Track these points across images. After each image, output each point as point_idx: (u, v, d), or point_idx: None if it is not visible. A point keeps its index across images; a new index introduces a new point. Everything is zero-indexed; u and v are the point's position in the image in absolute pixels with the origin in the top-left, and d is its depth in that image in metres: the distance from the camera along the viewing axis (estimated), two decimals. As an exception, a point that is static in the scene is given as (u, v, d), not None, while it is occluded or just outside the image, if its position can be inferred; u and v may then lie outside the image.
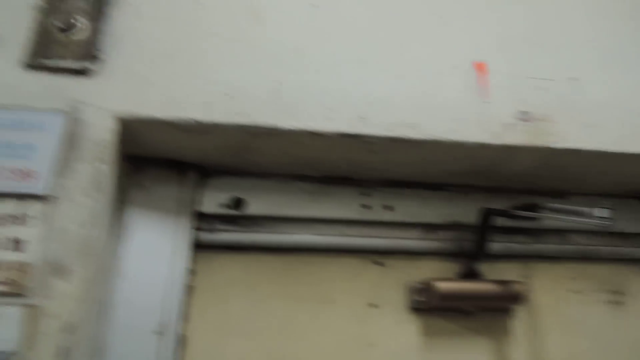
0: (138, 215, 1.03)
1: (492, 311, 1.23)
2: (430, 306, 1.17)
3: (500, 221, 1.21)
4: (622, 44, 1.29)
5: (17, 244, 0.80)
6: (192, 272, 1.07)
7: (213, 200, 1.10)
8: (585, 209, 1.03)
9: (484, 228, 1.18)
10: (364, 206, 1.21)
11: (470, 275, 1.22)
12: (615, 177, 1.28)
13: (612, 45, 1.28)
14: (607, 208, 0.99)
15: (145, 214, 1.04)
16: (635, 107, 1.23)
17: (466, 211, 1.27)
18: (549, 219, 1.19)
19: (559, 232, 1.33)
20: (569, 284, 1.33)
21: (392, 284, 1.19)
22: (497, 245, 1.26)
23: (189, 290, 1.05)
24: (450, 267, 1.25)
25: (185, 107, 0.93)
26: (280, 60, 1.01)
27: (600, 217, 1.02)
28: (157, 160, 1.08)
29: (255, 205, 1.13)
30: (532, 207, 1.15)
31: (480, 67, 1.15)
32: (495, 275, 1.26)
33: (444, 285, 1.16)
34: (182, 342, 1.01)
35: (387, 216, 1.22)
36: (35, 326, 0.77)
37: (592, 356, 1.27)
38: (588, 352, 1.27)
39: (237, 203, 1.11)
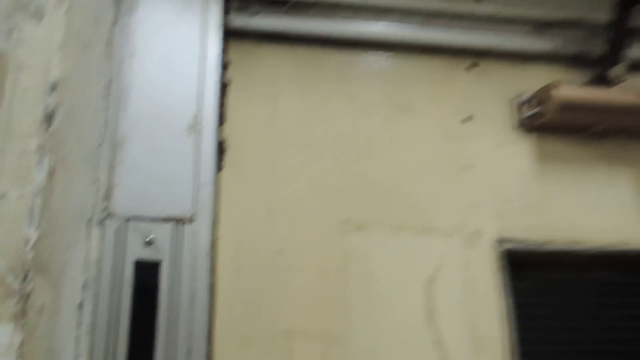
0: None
1: (631, 131, 0.91)
2: (544, 122, 0.90)
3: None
4: None
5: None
6: (227, 64, 0.83)
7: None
8: None
9: (622, 21, 0.85)
10: (449, -5, 0.92)
11: (600, 82, 0.90)
12: None
13: None
14: None
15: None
16: None
17: (590, 6, 0.94)
18: None
19: None
20: None
21: (491, 94, 0.94)
22: (636, 51, 0.93)
23: (224, 86, 0.81)
24: (569, 76, 0.93)
25: None
26: None
27: None
28: None
29: (305, -14, 0.87)
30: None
31: None
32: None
33: (566, 93, 0.86)
34: (222, 146, 0.78)
35: (482, 8, 0.92)
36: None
37: None
38: None
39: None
